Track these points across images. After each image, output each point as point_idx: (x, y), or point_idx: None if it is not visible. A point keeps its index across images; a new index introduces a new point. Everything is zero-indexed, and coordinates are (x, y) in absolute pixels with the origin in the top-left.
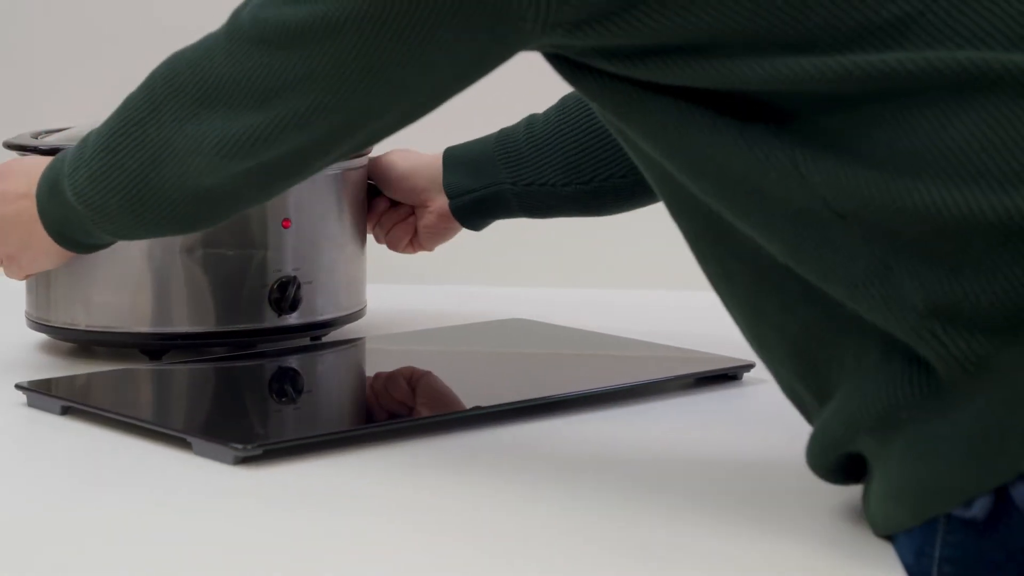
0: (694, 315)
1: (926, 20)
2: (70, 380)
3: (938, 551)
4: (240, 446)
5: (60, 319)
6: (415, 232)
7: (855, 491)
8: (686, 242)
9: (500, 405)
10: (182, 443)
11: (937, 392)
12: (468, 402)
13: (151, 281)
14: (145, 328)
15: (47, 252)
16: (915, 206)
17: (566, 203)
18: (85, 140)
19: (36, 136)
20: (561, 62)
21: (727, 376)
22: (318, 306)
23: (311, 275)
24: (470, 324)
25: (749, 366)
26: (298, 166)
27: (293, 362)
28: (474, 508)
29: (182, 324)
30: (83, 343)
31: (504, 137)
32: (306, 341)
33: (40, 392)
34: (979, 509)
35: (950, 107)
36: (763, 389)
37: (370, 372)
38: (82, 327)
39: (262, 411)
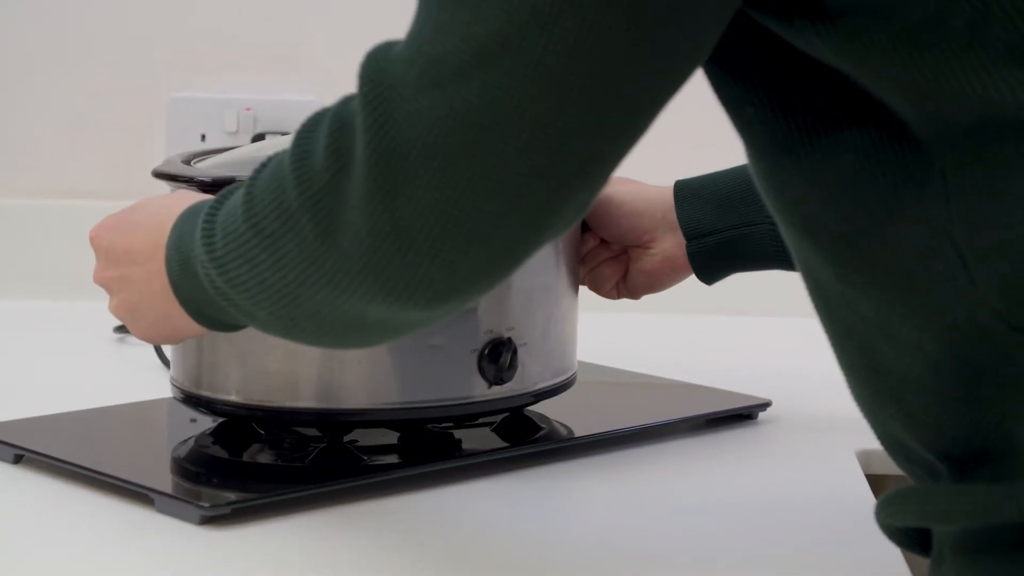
0: (704, 343)
1: None
2: (25, 424)
3: None
4: (206, 504)
5: (207, 388)
6: (625, 274)
7: (885, 560)
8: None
9: (490, 451)
10: (144, 499)
11: None
12: (455, 447)
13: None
14: (310, 403)
15: (188, 329)
16: None
17: None
18: (210, 225)
19: (189, 161)
20: (735, 49)
21: (741, 415)
22: (531, 374)
23: (525, 336)
24: None
25: (765, 404)
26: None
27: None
28: (459, 568)
29: (358, 399)
30: (236, 419)
31: None
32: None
33: None
34: None
35: None
36: (780, 430)
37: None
38: (234, 399)
39: (232, 465)
